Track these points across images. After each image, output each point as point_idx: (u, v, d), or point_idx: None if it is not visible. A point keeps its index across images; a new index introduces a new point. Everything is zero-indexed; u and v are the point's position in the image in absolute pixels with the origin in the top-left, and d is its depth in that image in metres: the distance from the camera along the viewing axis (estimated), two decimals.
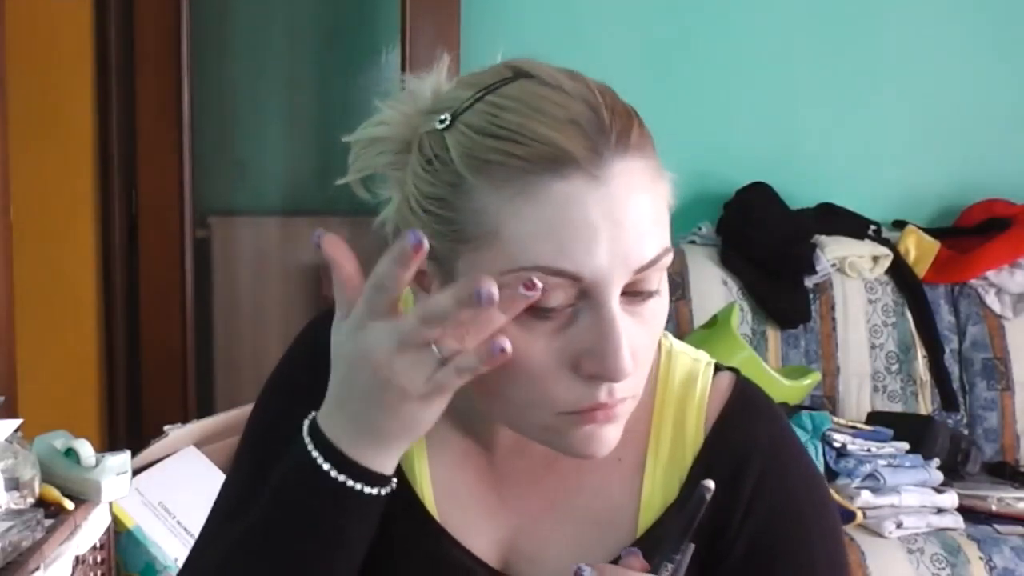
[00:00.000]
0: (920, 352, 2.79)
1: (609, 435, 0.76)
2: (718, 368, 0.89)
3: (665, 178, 0.75)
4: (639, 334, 0.74)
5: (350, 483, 0.74)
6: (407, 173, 0.78)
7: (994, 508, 2.37)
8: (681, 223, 2.96)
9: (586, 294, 0.72)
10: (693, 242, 2.91)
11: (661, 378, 0.87)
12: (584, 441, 0.76)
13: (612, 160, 0.71)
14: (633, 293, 0.73)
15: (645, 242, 0.72)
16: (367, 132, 0.82)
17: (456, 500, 0.87)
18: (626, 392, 0.75)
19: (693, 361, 0.88)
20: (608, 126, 0.71)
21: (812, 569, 0.84)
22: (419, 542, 0.80)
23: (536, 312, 0.71)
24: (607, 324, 0.71)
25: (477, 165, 0.72)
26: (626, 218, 0.71)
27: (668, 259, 0.74)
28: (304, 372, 0.88)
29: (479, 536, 0.86)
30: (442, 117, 0.75)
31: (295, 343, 0.94)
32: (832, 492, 2.21)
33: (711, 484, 0.73)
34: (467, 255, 0.73)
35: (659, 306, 0.76)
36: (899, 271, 2.84)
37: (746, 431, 0.84)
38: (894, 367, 2.79)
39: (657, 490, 0.85)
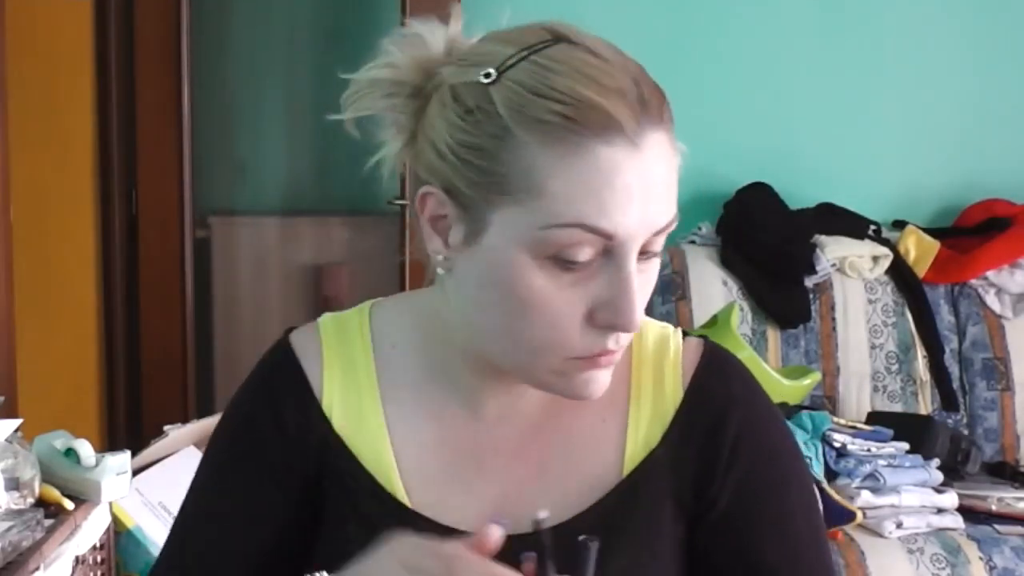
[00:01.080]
0: (920, 352, 2.79)
1: (605, 378, 0.83)
2: (687, 333, 0.95)
3: (678, 150, 0.82)
4: (642, 290, 0.80)
5: None
6: (433, 119, 0.81)
7: (994, 508, 2.37)
8: (681, 223, 2.94)
9: (610, 251, 0.77)
10: (693, 242, 2.91)
11: (635, 342, 0.92)
12: (584, 384, 0.82)
13: (648, 130, 0.77)
14: (644, 252, 0.79)
15: (666, 207, 0.79)
16: (373, 73, 0.88)
17: (431, 483, 0.89)
18: (628, 341, 0.83)
19: (662, 327, 0.94)
20: (647, 99, 0.77)
21: (792, 510, 0.89)
22: (393, 531, 0.78)
23: (562, 264, 0.77)
24: (625, 280, 0.78)
25: (528, 123, 0.76)
26: (655, 185, 0.77)
27: (675, 224, 0.81)
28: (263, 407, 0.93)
29: (460, 510, 0.88)
30: (486, 71, 0.79)
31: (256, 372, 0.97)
32: (832, 492, 2.22)
33: (543, 514, 0.74)
34: (505, 208, 0.77)
35: (657, 265, 0.83)
36: (899, 271, 2.84)
37: (723, 385, 0.90)
38: (894, 367, 2.79)
39: (640, 441, 0.89)
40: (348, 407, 0.91)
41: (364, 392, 0.91)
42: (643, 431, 0.89)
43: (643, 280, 0.80)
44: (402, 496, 0.89)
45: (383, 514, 0.87)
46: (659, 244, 0.81)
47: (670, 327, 0.94)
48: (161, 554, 0.97)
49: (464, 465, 0.89)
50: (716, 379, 0.90)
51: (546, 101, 0.76)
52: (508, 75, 0.78)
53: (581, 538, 0.74)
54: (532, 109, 0.76)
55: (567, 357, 0.80)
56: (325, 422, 0.91)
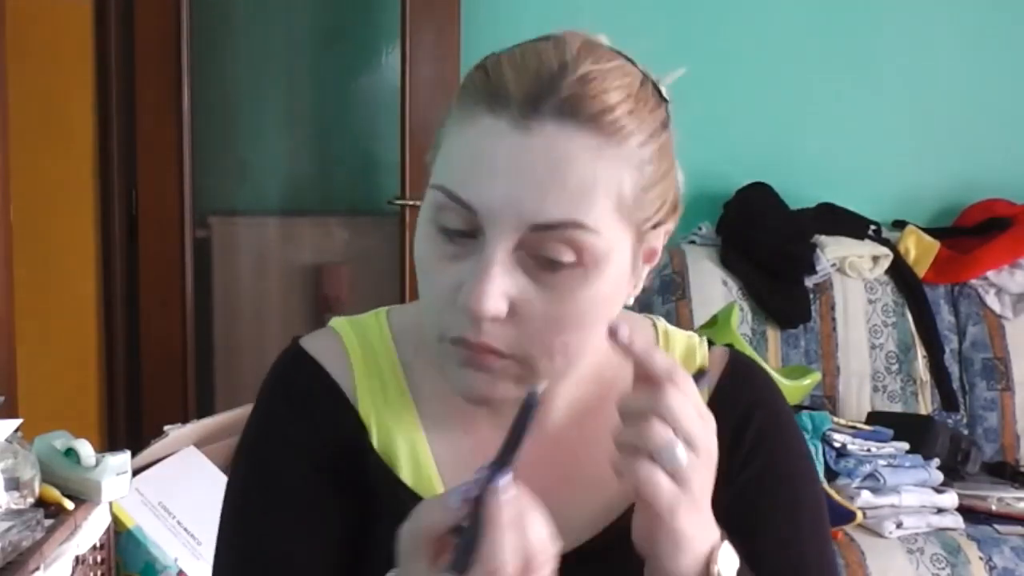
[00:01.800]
0: (920, 352, 2.79)
1: (483, 386, 0.79)
2: (711, 343, 0.95)
3: (630, 175, 0.77)
4: (534, 297, 0.76)
5: None
6: None
7: (994, 508, 2.37)
8: (681, 223, 2.94)
9: (482, 231, 0.75)
10: (693, 242, 2.91)
11: (663, 351, 0.90)
12: (462, 380, 0.79)
13: (548, 118, 0.74)
14: (538, 257, 0.75)
15: (548, 201, 0.74)
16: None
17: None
18: (496, 342, 0.77)
19: (688, 337, 0.93)
20: (562, 86, 0.74)
21: (800, 502, 0.89)
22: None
23: (445, 235, 0.77)
24: (482, 259, 0.75)
25: (458, 91, 0.79)
26: (533, 172, 0.73)
27: (577, 235, 0.75)
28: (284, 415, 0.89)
29: None
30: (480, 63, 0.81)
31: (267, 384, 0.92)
32: (832, 492, 2.23)
33: (539, 388, 0.74)
34: (432, 166, 0.80)
35: (578, 285, 0.76)
36: (899, 271, 2.84)
37: (748, 390, 0.90)
38: (894, 367, 2.79)
39: None
40: (383, 413, 0.88)
41: (397, 403, 0.88)
42: None
43: (537, 288, 0.76)
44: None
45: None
46: (561, 251, 0.75)
47: (696, 336, 0.94)
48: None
49: None
50: (741, 385, 0.90)
51: (476, 71, 0.78)
52: (485, 61, 0.80)
53: (530, 390, 0.73)
54: (466, 79, 0.79)
55: (441, 335, 0.79)
56: (363, 429, 0.87)
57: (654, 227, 0.82)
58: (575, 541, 0.84)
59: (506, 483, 0.69)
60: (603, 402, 0.85)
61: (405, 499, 0.85)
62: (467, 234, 0.76)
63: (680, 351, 0.91)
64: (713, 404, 0.86)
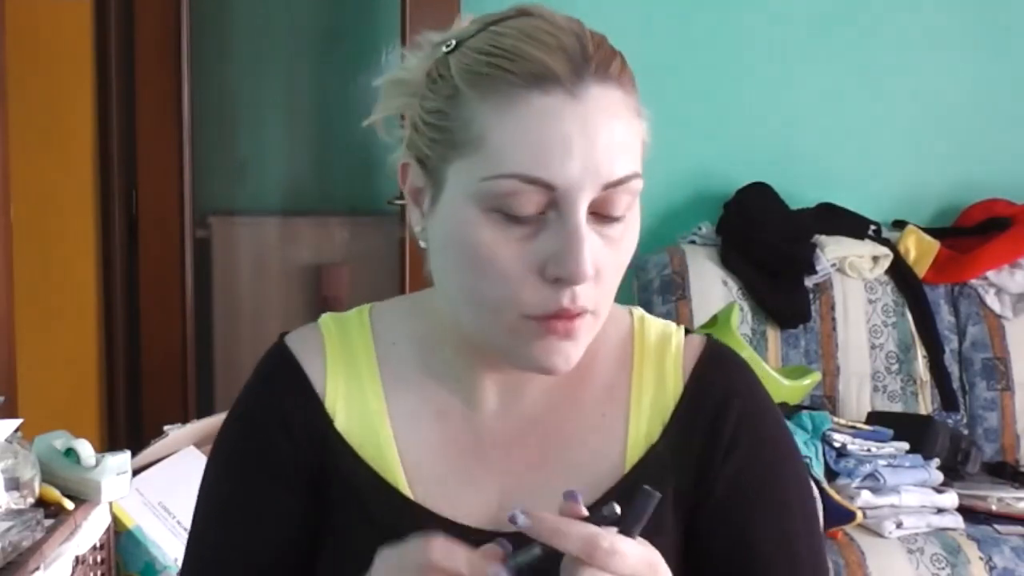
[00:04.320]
0: (920, 352, 2.79)
1: (569, 351, 0.81)
2: (688, 331, 0.95)
3: (643, 117, 0.82)
4: (605, 253, 0.80)
5: None
6: (416, 99, 0.85)
7: (994, 508, 2.37)
8: (681, 223, 2.96)
9: (556, 204, 0.77)
10: (693, 242, 2.91)
11: (636, 339, 0.93)
12: (544, 353, 0.81)
13: (590, 83, 0.78)
14: (601, 215, 0.79)
15: (615, 160, 0.78)
16: (391, 75, 0.90)
17: (432, 473, 0.90)
18: (588, 303, 0.80)
19: (664, 324, 0.95)
20: (591, 54, 0.78)
21: (787, 499, 0.90)
22: (398, 526, 0.81)
23: (508, 217, 0.78)
24: (572, 230, 0.77)
25: (471, 78, 0.79)
26: (599, 136, 0.77)
27: (637, 184, 0.80)
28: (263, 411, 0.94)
29: (463, 503, 0.89)
30: (448, 42, 0.83)
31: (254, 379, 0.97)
32: (832, 492, 2.22)
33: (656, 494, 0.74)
34: (456, 162, 0.80)
35: (627, 233, 0.82)
36: (899, 271, 2.84)
37: (724, 378, 0.91)
38: (894, 367, 2.79)
39: (641, 435, 0.90)
40: (351, 404, 0.92)
41: (367, 388, 0.92)
42: (644, 425, 0.90)
43: (602, 243, 0.80)
44: (405, 490, 0.89)
45: (387, 509, 0.88)
46: (621, 206, 0.80)
47: (672, 324, 0.95)
48: (182, 566, 0.97)
49: (466, 459, 0.90)
50: (717, 372, 0.91)
51: (487, 57, 0.79)
52: (466, 43, 0.81)
53: (645, 487, 0.73)
54: (475, 66, 0.79)
55: (522, 315, 0.80)
56: (327, 421, 0.91)
57: None
58: None
59: None
60: (579, 385, 0.90)
61: (368, 479, 0.89)
62: (536, 214, 0.78)
63: (654, 338, 0.93)
64: (687, 393, 0.90)
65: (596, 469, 0.89)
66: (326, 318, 0.97)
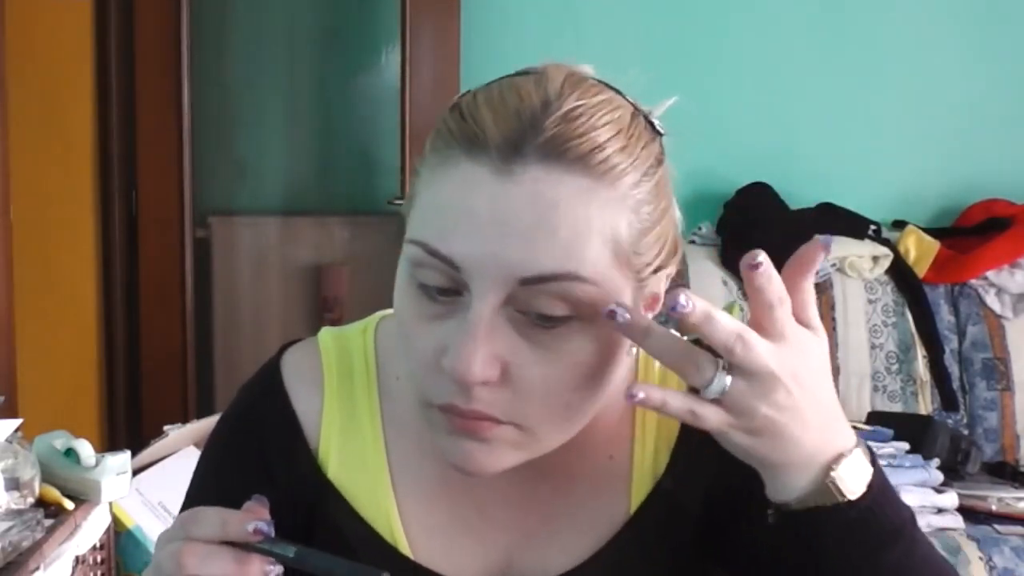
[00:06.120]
0: (920, 352, 2.79)
1: (479, 456, 0.72)
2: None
3: (626, 218, 0.69)
4: (529, 360, 0.70)
5: None
6: None
7: (994, 508, 2.37)
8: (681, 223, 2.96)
9: (467, 288, 0.69)
10: (693, 242, 2.91)
11: (641, 365, 0.86)
12: (453, 448, 0.73)
13: (530, 160, 0.67)
14: (529, 313, 0.69)
15: (537, 253, 0.67)
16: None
17: (434, 533, 0.84)
18: (493, 410, 0.70)
19: None
20: (543, 127, 0.67)
21: None
22: None
23: (425, 292, 0.71)
24: (468, 321, 0.68)
25: (433, 134, 0.72)
26: (520, 222, 0.66)
27: (576, 288, 0.68)
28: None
29: (466, 563, 0.84)
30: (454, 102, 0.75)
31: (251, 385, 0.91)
32: None
33: None
34: (408, 216, 0.74)
35: (574, 338, 0.70)
36: (899, 271, 2.84)
37: None
38: (894, 367, 2.79)
39: (647, 470, 0.84)
40: (347, 452, 0.85)
41: (367, 435, 0.85)
42: (649, 460, 0.84)
43: (531, 347, 0.69)
44: (404, 548, 0.84)
45: (384, 567, 0.81)
46: (552, 308, 0.68)
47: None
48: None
49: (469, 514, 0.85)
50: None
51: (450, 113, 0.72)
52: (459, 101, 0.74)
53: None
54: (439, 122, 0.72)
55: (428, 402, 0.73)
56: (318, 471, 0.84)
57: (655, 271, 0.74)
58: (558, 570, 0.83)
59: None
60: (586, 428, 0.78)
61: (362, 534, 0.83)
62: (450, 291, 0.70)
63: (660, 367, 0.85)
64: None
65: (601, 515, 0.83)
66: (326, 339, 0.88)
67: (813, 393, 0.71)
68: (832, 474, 0.71)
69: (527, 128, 0.67)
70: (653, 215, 0.72)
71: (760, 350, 0.67)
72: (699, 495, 0.83)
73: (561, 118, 0.68)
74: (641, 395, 0.67)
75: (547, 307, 0.68)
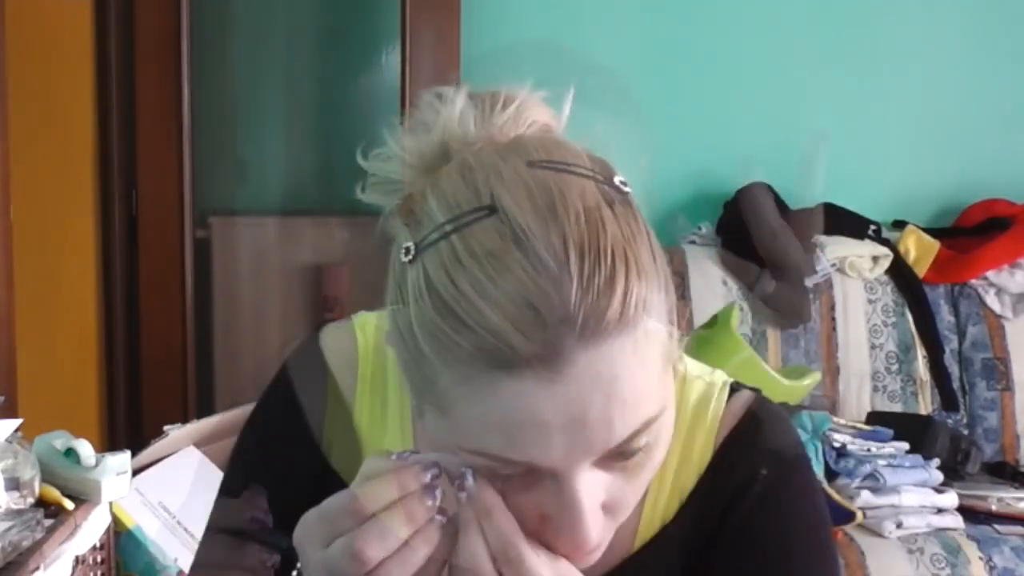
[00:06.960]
0: (920, 352, 2.79)
1: (590, 560, 0.71)
2: (737, 388, 0.84)
3: (664, 327, 0.65)
4: (619, 488, 0.68)
5: None
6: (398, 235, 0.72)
7: (994, 508, 2.37)
8: (681, 223, 2.96)
9: (552, 470, 0.65)
10: (693, 242, 2.91)
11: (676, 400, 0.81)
12: None
13: (575, 354, 0.62)
14: (613, 454, 0.66)
15: (615, 428, 0.64)
16: (375, 166, 0.78)
17: None
18: (603, 536, 0.70)
19: (707, 385, 0.84)
20: (573, 312, 0.61)
21: None
22: None
23: (492, 472, 0.66)
24: (568, 502, 0.65)
25: (430, 340, 0.65)
26: (588, 413, 0.63)
27: (653, 424, 0.66)
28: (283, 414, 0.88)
29: None
30: (407, 246, 0.68)
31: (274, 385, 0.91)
32: (832, 492, 2.22)
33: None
34: (430, 413, 0.68)
35: (648, 455, 0.68)
36: (899, 271, 2.84)
37: (750, 455, 0.81)
38: (894, 367, 2.79)
39: (657, 514, 0.82)
40: (372, 438, 0.86)
41: (393, 425, 0.86)
42: (662, 503, 0.82)
43: (614, 477, 0.67)
44: None
45: None
46: (635, 447, 0.66)
47: (719, 379, 0.84)
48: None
49: None
50: (749, 446, 0.81)
51: (442, 321, 0.63)
52: (425, 256, 0.66)
53: None
54: (432, 326, 0.64)
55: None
56: (358, 447, 0.85)
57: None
58: None
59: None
60: None
61: None
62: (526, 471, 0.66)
63: (692, 404, 0.82)
64: (710, 470, 0.81)
65: (609, 547, 0.79)
66: (365, 323, 0.88)
67: None
68: None
69: (556, 325, 0.61)
70: (668, 278, 0.68)
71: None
72: (696, 547, 0.82)
73: (580, 290, 0.62)
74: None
75: (628, 451, 0.66)
